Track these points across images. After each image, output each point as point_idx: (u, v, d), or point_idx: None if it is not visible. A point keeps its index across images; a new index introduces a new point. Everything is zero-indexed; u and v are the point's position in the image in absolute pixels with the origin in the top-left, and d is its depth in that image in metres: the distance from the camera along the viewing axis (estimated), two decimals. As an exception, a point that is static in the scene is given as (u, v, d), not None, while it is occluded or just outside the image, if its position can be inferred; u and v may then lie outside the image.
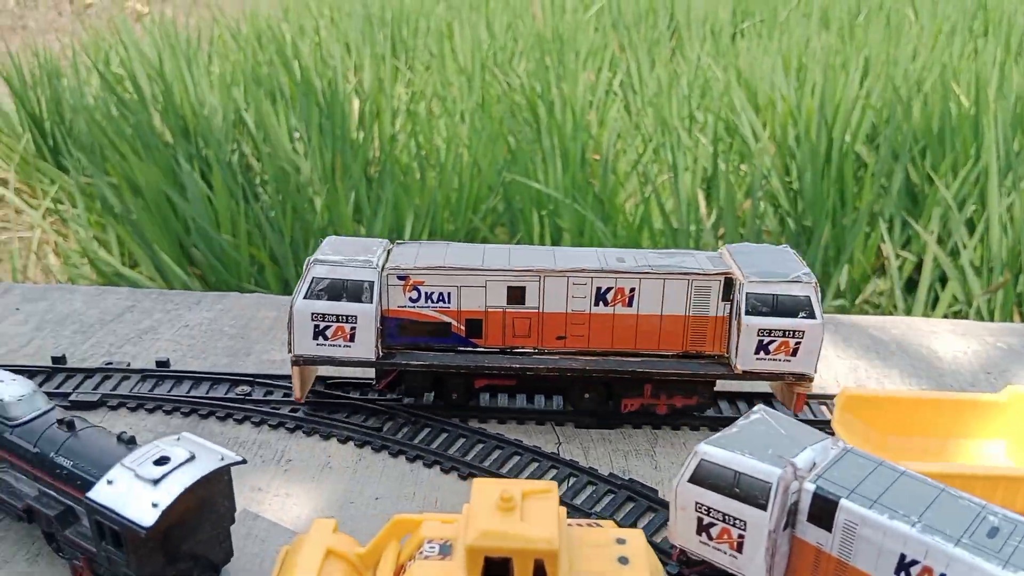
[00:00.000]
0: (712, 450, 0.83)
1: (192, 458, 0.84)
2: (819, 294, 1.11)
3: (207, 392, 1.26)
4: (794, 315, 1.10)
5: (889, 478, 0.80)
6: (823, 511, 0.79)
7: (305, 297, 1.11)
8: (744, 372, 1.13)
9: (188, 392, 1.26)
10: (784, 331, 1.10)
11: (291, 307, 1.12)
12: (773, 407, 1.13)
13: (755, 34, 4.40)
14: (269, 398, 1.25)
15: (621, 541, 0.76)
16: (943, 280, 2.18)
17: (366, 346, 1.13)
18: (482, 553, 0.70)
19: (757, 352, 1.12)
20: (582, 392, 1.19)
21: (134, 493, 0.80)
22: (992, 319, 2.09)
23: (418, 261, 1.14)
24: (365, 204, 2.59)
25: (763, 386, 1.27)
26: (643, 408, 1.20)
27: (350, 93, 3.41)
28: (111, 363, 1.31)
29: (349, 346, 1.13)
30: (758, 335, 1.11)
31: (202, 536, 0.86)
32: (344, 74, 4.13)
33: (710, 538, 0.84)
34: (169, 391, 1.26)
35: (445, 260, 1.14)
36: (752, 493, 0.80)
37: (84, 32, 4.70)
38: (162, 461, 0.83)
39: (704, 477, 0.83)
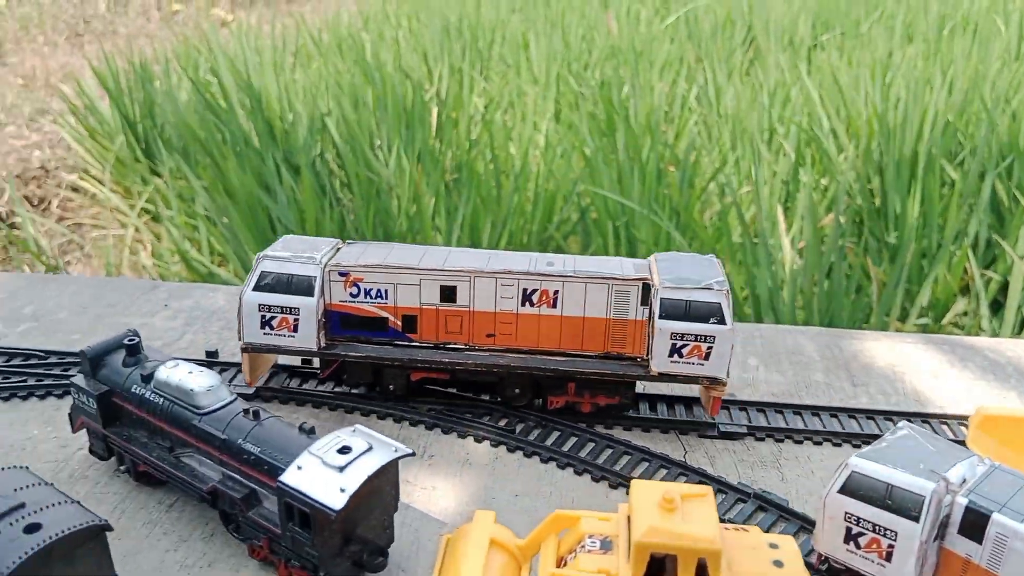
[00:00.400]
0: (863, 463, 0.88)
1: (370, 449, 0.90)
2: (730, 301, 1.17)
3: (350, 390, 1.34)
4: (705, 320, 1.16)
5: None
6: (975, 524, 0.84)
7: (253, 289, 1.21)
8: (660, 374, 1.20)
9: (332, 389, 1.34)
10: (696, 335, 1.17)
11: (240, 298, 1.22)
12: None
13: (834, 47, 4.34)
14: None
15: (773, 545, 0.80)
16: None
17: (308, 337, 1.23)
18: (649, 549, 0.73)
19: (671, 355, 1.18)
20: (512, 388, 1.27)
21: (323, 479, 0.87)
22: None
23: (360, 260, 1.23)
24: (443, 212, 2.64)
25: (693, 391, 1.32)
26: (567, 405, 1.28)
27: (429, 101, 3.48)
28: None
29: (293, 336, 1.23)
30: (671, 338, 1.17)
31: (372, 521, 0.92)
32: (422, 83, 4.22)
33: (858, 547, 0.89)
34: (316, 387, 1.34)
35: (384, 259, 1.23)
36: (905, 505, 0.85)
37: (173, 38, 4.89)
38: (344, 450, 0.89)
39: (855, 489, 0.88)
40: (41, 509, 0.76)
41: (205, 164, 2.74)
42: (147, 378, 1.05)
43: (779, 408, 1.33)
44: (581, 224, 2.79)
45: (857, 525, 0.88)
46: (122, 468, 1.11)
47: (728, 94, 3.58)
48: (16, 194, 3.17)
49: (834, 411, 1.32)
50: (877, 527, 0.86)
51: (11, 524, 0.74)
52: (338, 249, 1.26)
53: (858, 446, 1.24)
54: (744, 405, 1.33)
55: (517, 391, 1.28)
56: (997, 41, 4.22)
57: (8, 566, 0.70)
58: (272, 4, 8.41)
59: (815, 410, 1.32)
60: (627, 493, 1.09)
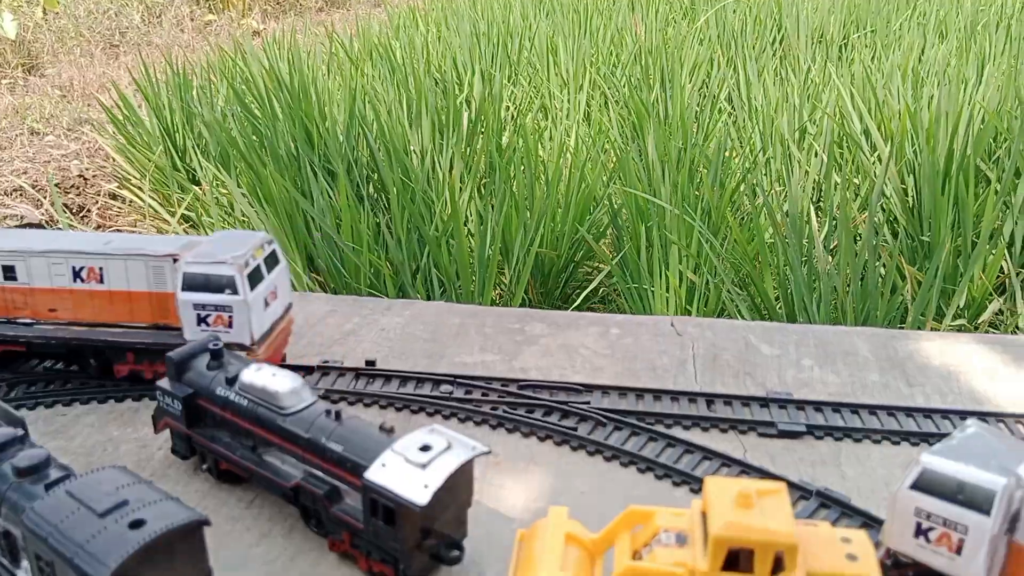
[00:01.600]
0: (935, 460, 0.90)
1: (449, 447, 0.94)
2: (244, 274, 1.26)
3: (414, 390, 1.39)
4: (221, 291, 1.27)
5: None
6: None
7: None
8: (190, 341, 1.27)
9: (397, 390, 1.39)
10: (216, 306, 1.27)
11: None
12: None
13: (864, 46, 4.31)
14: (469, 396, 1.37)
15: (846, 540, 0.82)
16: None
17: None
18: (727, 544, 0.75)
19: (199, 324, 1.29)
20: (86, 358, 1.38)
21: (407, 475, 0.91)
22: None
23: None
24: (474, 215, 2.67)
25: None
26: (132, 373, 1.37)
27: (460, 106, 3.51)
28: (327, 361, 1.47)
29: None
30: (194, 308, 1.28)
31: (449, 516, 0.96)
32: (453, 88, 4.26)
33: (928, 541, 0.91)
34: (381, 388, 1.40)
35: None
36: (976, 500, 0.88)
37: (209, 47, 4.99)
38: (425, 448, 0.93)
39: (927, 484, 0.90)
40: (143, 506, 0.79)
41: (242, 171, 2.79)
42: (231, 381, 1.10)
43: (836, 407, 1.34)
44: (612, 226, 2.81)
45: (928, 520, 0.90)
46: (204, 467, 1.17)
47: (758, 93, 3.58)
48: (57, 201, 3.26)
49: (891, 410, 1.33)
50: (948, 522, 0.89)
51: (116, 521, 0.77)
52: None
53: (916, 444, 1.26)
54: (802, 404, 1.35)
55: (92, 361, 1.38)
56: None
57: (116, 560, 0.73)
58: (304, 14, 8.53)
59: (872, 409, 1.34)
60: (691, 491, 1.15)
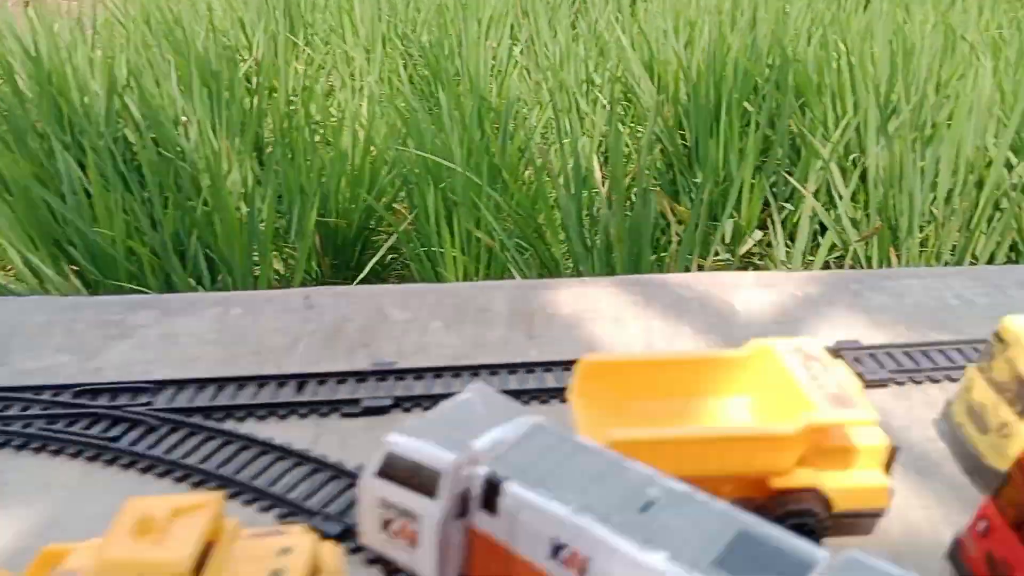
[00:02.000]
0: (400, 439, 0.79)
1: None
2: None
3: None
4: None
5: (567, 455, 0.76)
6: (490, 496, 0.74)
7: None
8: None
9: None
10: None
11: None
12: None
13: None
14: (3, 413, 1.18)
15: (286, 550, 0.73)
16: (825, 230, 2.23)
17: None
18: None
19: None
20: None
21: None
22: (870, 265, 2.15)
23: None
24: (256, 187, 2.52)
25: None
26: None
27: (243, 73, 3.31)
28: None
29: None
30: None
31: None
32: (239, 52, 4.01)
33: (392, 535, 0.81)
34: None
35: None
36: (425, 482, 0.77)
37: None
38: None
39: (390, 469, 0.79)
40: None
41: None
42: None
43: (439, 372, 1.28)
44: (405, 189, 2.73)
45: (388, 510, 0.79)
46: None
47: (552, 48, 3.58)
48: None
49: (495, 368, 1.28)
50: (404, 510, 0.78)
51: None
52: None
53: (527, 403, 1.21)
54: (402, 374, 1.27)
55: None
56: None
57: None
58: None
59: (476, 369, 1.28)
60: (244, 500, 0.99)
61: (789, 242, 2.22)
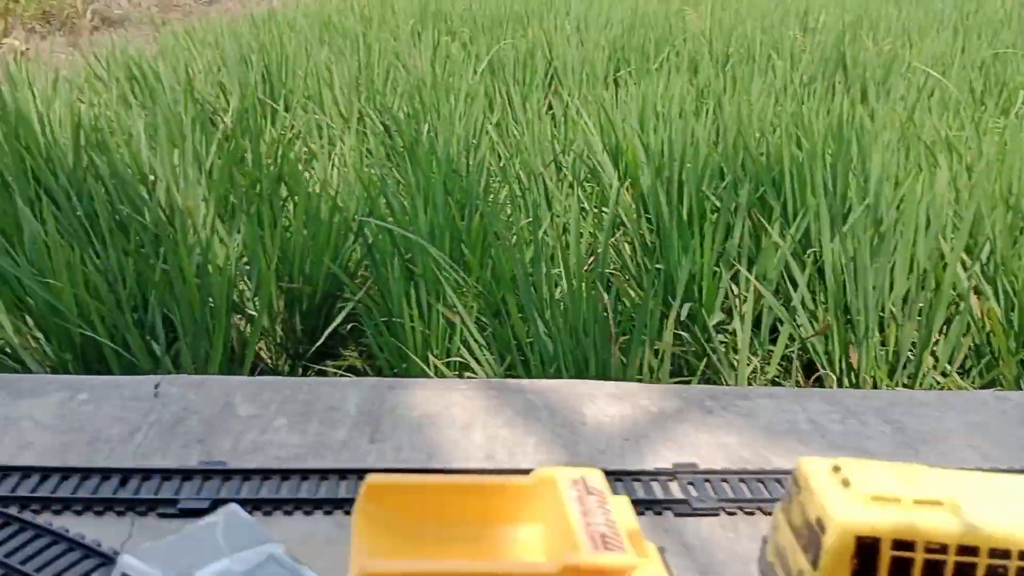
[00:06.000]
0: (132, 561, 0.77)
1: None
2: None
3: None
4: None
5: None
6: None
7: None
8: None
9: None
10: None
11: None
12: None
13: (631, 82, 4.56)
14: None
15: None
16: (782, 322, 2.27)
17: None
18: None
19: None
20: None
21: None
22: (830, 362, 2.18)
23: None
24: (217, 248, 2.52)
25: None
26: None
27: (217, 134, 3.34)
28: None
29: None
30: None
31: None
32: (218, 114, 4.05)
33: None
34: None
35: None
36: None
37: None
38: None
39: None
40: None
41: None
42: None
43: (268, 474, 1.24)
44: (369, 258, 2.74)
45: None
46: None
47: (526, 128, 3.67)
48: None
49: (326, 473, 1.25)
50: None
51: None
52: None
53: (347, 513, 1.18)
54: (230, 474, 1.24)
55: None
56: (769, 75, 4.58)
57: None
58: (74, 32, 7.89)
59: (306, 473, 1.24)
60: None
61: (754, 332, 2.25)
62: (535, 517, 1.03)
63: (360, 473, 1.25)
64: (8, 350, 2.18)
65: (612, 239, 2.63)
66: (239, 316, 2.53)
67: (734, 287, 2.45)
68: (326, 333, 2.43)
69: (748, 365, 2.28)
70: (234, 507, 0.86)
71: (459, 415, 1.46)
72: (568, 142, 3.22)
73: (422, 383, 1.57)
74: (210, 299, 2.20)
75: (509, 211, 2.90)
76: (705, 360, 2.22)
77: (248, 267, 2.56)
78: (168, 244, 2.10)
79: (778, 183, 2.64)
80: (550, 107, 4.33)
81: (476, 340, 2.26)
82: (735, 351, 2.30)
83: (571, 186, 3.06)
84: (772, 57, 5.04)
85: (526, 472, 1.08)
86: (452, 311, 2.36)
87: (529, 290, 2.19)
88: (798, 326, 2.20)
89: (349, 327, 2.71)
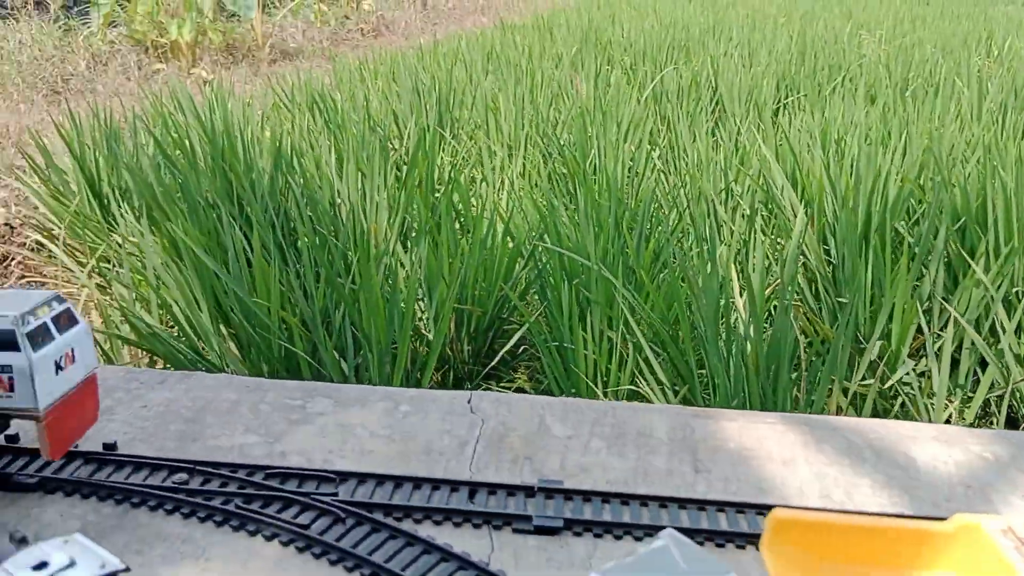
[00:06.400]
0: None
1: (71, 565, 0.83)
2: (24, 329, 1.12)
3: (144, 479, 1.23)
4: (0, 349, 1.12)
5: None
6: None
7: None
8: None
9: (127, 479, 1.24)
10: None
11: None
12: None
13: (799, 109, 4.42)
14: (204, 488, 1.22)
15: None
16: (984, 364, 2.11)
17: None
18: None
19: None
20: None
21: None
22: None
23: None
24: (399, 269, 2.62)
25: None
26: None
27: (394, 161, 3.49)
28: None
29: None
30: None
31: None
32: (391, 142, 4.24)
33: None
34: (108, 477, 1.24)
35: None
36: None
37: (145, 97, 4.93)
38: (40, 566, 0.82)
39: None
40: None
41: (158, 222, 2.72)
42: None
43: (607, 497, 1.23)
44: (539, 282, 2.78)
45: None
46: None
47: (691, 155, 3.62)
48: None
49: (664, 501, 1.23)
50: None
51: None
52: None
53: (700, 543, 1.15)
54: (570, 495, 1.24)
55: None
56: (957, 102, 4.31)
57: None
58: (254, 64, 8.53)
59: (644, 500, 1.23)
60: None
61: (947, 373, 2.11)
62: (955, 566, 0.99)
63: (699, 504, 1.23)
64: (212, 360, 2.35)
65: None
66: (415, 333, 2.62)
67: (925, 326, 2.30)
68: (500, 354, 2.47)
69: (944, 410, 2.13)
70: (672, 531, 0.87)
71: (775, 449, 1.42)
72: (741, 169, 3.15)
73: (727, 414, 1.55)
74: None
75: (681, 237, 2.87)
76: (900, 401, 2.09)
77: (423, 288, 2.64)
78: (363, 264, 2.21)
79: (978, 215, 2.47)
80: (713, 133, 4.26)
81: (652, 367, 2.23)
82: (924, 393, 2.15)
83: (744, 216, 2.99)
84: (956, 83, 4.74)
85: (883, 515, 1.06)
86: (623, 339, 2.35)
87: (710, 319, 2.14)
88: (1007, 371, 2.03)
89: (507, 349, 2.75)
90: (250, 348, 2.32)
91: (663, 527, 1.18)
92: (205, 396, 1.52)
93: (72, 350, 1.21)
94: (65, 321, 1.21)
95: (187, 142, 3.18)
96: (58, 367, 1.18)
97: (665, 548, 0.82)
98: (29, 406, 1.14)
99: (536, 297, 2.86)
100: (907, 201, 2.67)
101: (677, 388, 2.29)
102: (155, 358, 2.34)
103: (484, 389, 2.64)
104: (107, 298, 2.78)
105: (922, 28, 6.94)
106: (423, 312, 2.68)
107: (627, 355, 2.35)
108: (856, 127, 3.17)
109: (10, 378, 1.13)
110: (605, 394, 2.34)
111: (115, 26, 8.69)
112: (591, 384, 2.32)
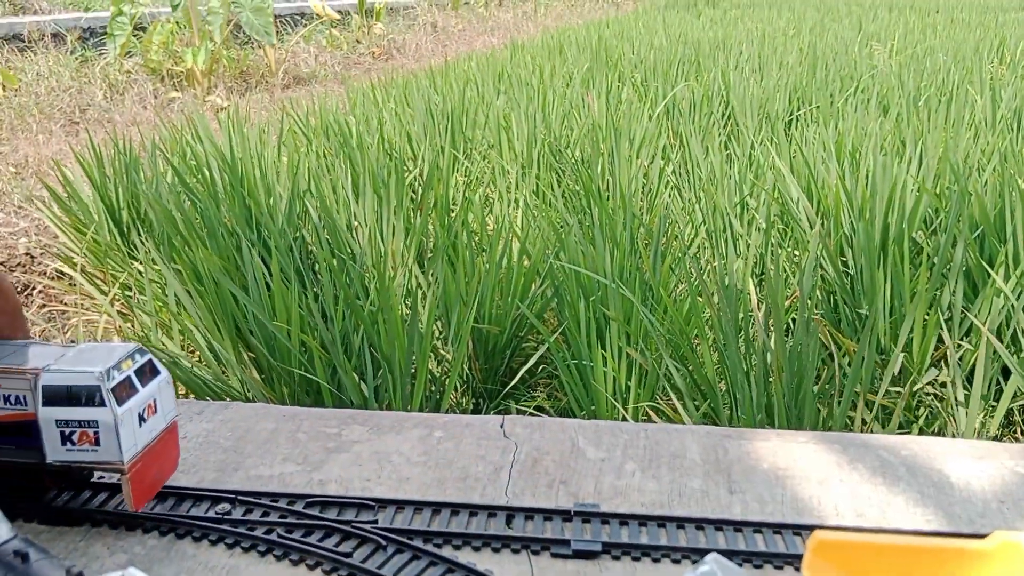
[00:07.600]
0: None
1: None
2: (109, 384, 1.14)
3: (187, 511, 1.25)
4: (86, 405, 1.15)
5: None
6: None
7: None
8: (56, 462, 1.18)
9: (171, 510, 1.25)
10: (80, 421, 1.15)
11: None
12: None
13: (811, 121, 4.41)
14: (246, 518, 1.23)
15: None
16: (1007, 372, 2.09)
17: None
18: None
19: (64, 443, 1.17)
20: None
21: None
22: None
23: None
24: (417, 290, 2.64)
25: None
26: None
27: (408, 182, 3.52)
28: (103, 477, 1.32)
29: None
30: (57, 426, 1.17)
31: None
32: (405, 164, 4.27)
33: None
34: (152, 509, 1.26)
35: None
36: None
37: (162, 125, 5.00)
38: None
39: None
40: None
41: (180, 249, 2.75)
42: None
43: (643, 521, 1.23)
44: (556, 300, 2.78)
45: None
46: None
47: (704, 169, 3.62)
48: None
49: (700, 523, 1.22)
50: None
51: None
52: None
53: (740, 564, 1.14)
54: (607, 518, 1.23)
55: None
56: (971, 110, 4.29)
57: None
58: (267, 90, 8.63)
59: (681, 522, 1.22)
60: None
61: (967, 383, 2.09)
62: None
63: (735, 525, 1.23)
64: (234, 385, 2.37)
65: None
66: (433, 353, 2.63)
67: (947, 336, 2.28)
68: (519, 374, 2.47)
69: (975, 418, 2.11)
70: (717, 555, 0.87)
71: (809, 469, 1.41)
72: (755, 182, 3.15)
73: (759, 434, 1.54)
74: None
75: (695, 251, 2.87)
76: (925, 414, 2.07)
77: (440, 308, 2.65)
78: (383, 288, 2.22)
79: (997, 224, 2.46)
80: (726, 147, 4.26)
81: (673, 382, 2.23)
82: (947, 404, 2.13)
83: (759, 229, 2.98)
84: (969, 91, 4.72)
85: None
86: (642, 355, 2.35)
87: (731, 333, 2.14)
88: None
89: (527, 368, 2.75)
90: (271, 372, 2.33)
91: (701, 549, 1.18)
92: (243, 426, 1.54)
93: (155, 401, 1.23)
94: (148, 373, 1.23)
95: (206, 170, 3.21)
96: (141, 419, 1.20)
97: (712, 573, 0.82)
98: (114, 459, 1.16)
99: (553, 315, 2.87)
100: (924, 211, 2.66)
101: (698, 404, 2.29)
102: (177, 384, 2.36)
103: (503, 407, 2.64)
104: (129, 324, 2.81)
105: (933, 37, 6.92)
106: (440, 332, 2.69)
107: (646, 371, 2.35)
108: (870, 138, 3.16)
109: (95, 433, 1.15)
110: (626, 411, 2.33)
111: (131, 56, 8.82)
112: (612, 400, 2.32)
